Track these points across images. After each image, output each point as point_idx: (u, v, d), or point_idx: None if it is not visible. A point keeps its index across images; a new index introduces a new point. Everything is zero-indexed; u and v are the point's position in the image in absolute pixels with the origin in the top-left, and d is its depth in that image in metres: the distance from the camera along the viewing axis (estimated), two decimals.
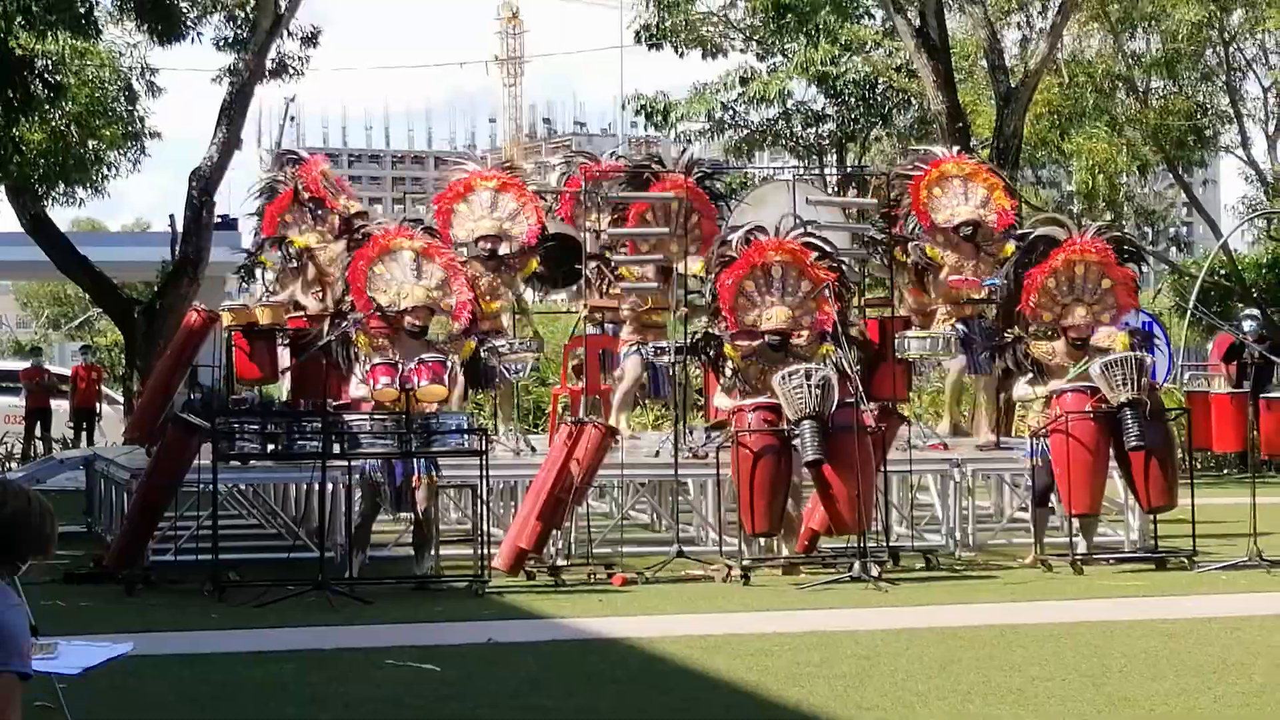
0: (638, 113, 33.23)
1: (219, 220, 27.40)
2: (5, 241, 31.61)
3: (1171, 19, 29.29)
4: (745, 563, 12.57)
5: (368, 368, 12.30)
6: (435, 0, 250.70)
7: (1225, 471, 22.29)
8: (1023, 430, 14.83)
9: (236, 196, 33.84)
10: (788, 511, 12.68)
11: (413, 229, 13.42)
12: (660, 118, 32.52)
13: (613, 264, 15.08)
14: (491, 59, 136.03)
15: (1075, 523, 13.21)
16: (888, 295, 15.54)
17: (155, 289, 26.44)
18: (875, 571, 12.15)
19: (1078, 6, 26.21)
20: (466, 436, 12.14)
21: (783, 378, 12.46)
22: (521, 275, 14.75)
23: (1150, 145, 30.72)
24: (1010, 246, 14.48)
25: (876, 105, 32.24)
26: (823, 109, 33.04)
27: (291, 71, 26.27)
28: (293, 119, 53.17)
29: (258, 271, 15.33)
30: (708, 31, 30.30)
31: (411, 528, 12.64)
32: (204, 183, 24.37)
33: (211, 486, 12.09)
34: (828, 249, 13.34)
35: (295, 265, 14.87)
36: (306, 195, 14.85)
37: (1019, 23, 29.81)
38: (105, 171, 26.55)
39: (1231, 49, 31.18)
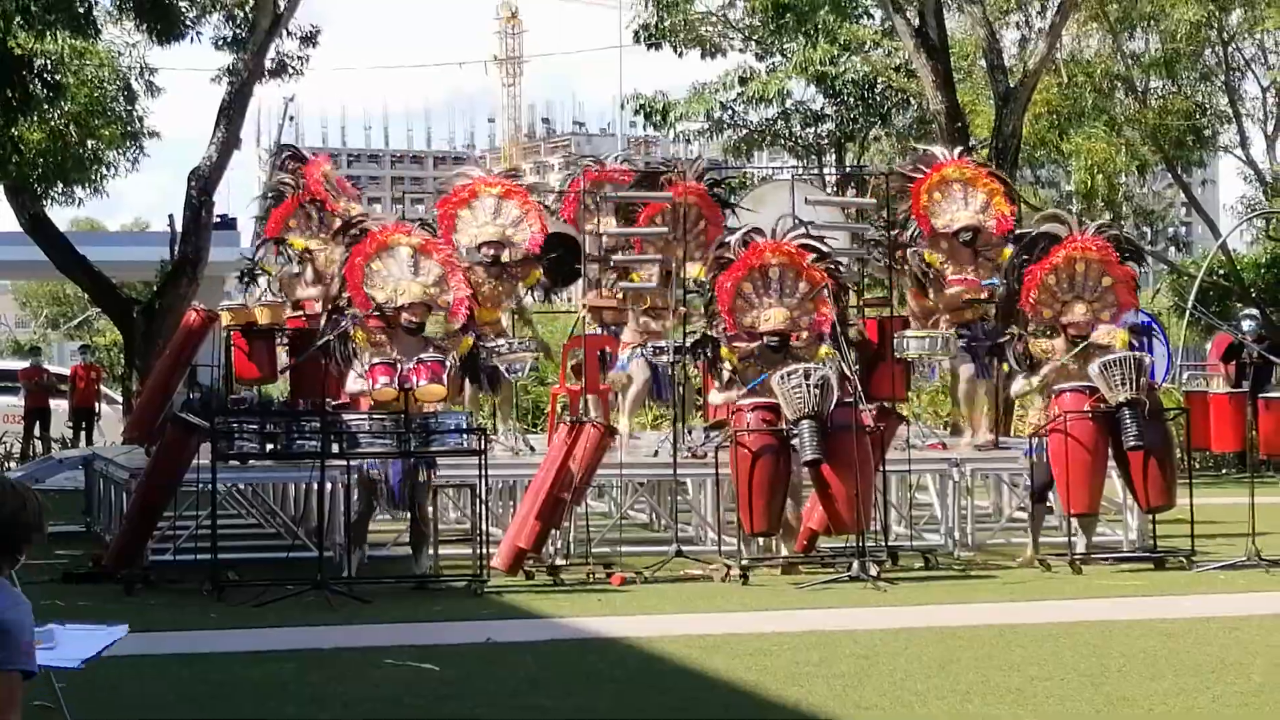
0: (637, 112, 33.25)
1: (218, 220, 27.39)
2: (4, 241, 31.60)
3: (1170, 19, 29.30)
4: (744, 562, 12.58)
5: (366, 366, 12.31)
6: (434, 0, 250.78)
7: (1224, 471, 22.29)
8: (1022, 430, 14.83)
9: (236, 196, 34.02)
10: (786, 511, 12.68)
11: (410, 225, 13.41)
12: (659, 117, 32.53)
13: (613, 264, 15.07)
14: (491, 59, 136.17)
15: (1074, 522, 13.22)
16: (886, 295, 15.54)
17: (154, 289, 26.42)
18: (874, 571, 12.16)
19: (1076, 6, 26.21)
20: (465, 436, 12.14)
21: (782, 377, 12.46)
22: (525, 284, 14.77)
23: (1149, 145, 30.72)
24: (1008, 251, 14.48)
25: (875, 105, 32.25)
26: (821, 109, 33.05)
27: (291, 71, 26.27)
28: (292, 119, 53.14)
29: (263, 280, 15.31)
30: (706, 31, 30.29)
31: (409, 527, 12.65)
32: (203, 182, 24.36)
33: (210, 486, 12.10)
34: (825, 250, 13.33)
35: (296, 271, 14.87)
36: (308, 198, 14.85)
37: (1018, 22, 29.80)
38: (104, 171, 26.53)
39: (1230, 49, 31.20)
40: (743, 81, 32.17)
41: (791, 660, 9.21)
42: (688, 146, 39.03)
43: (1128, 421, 12.82)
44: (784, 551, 12.97)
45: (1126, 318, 13.60)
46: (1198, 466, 18.88)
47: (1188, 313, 25.98)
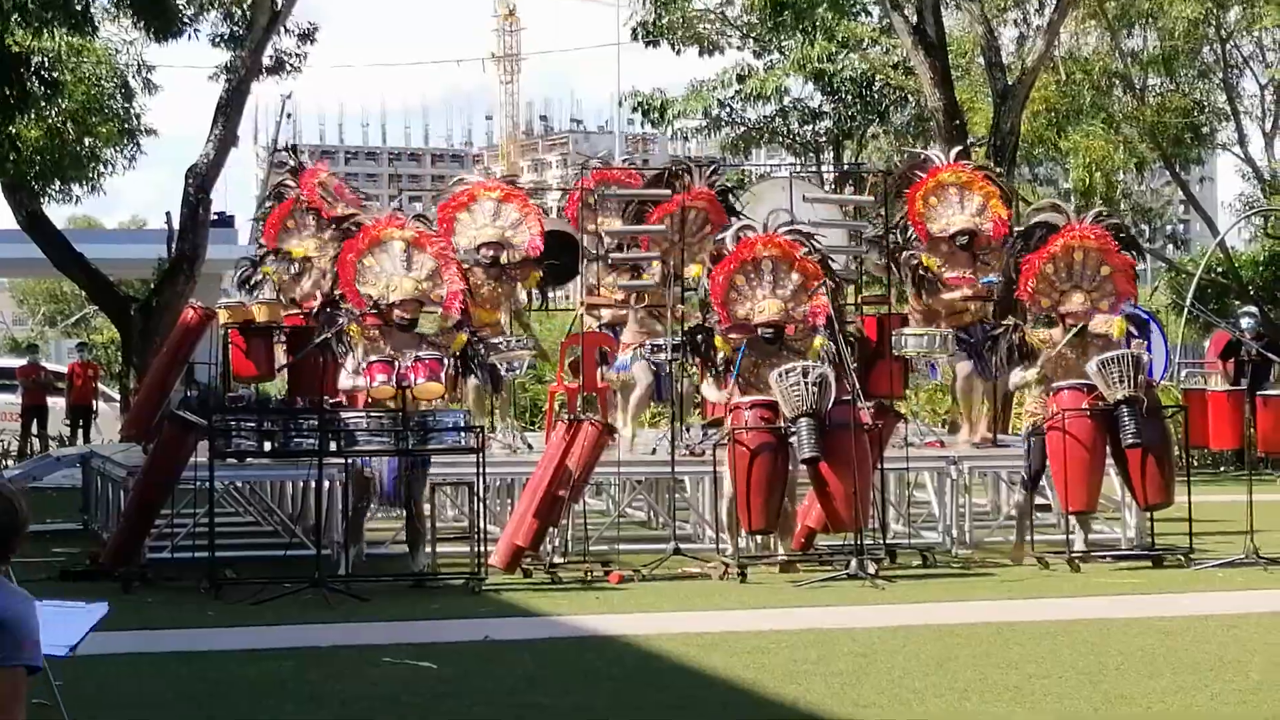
0: (634, 110, 33.23)
1: (215, 218, 27.40)
2: (2, 239, 31.59)
3: (1168, 16, 29.29)
4: (726, 557, 12.58)
5: (360, 362, 12.31)
6: None
7: (1222, 469, 22.28)
8: (1020, 428, 14.82)
9: (233, 194, 34.11)
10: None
11: (404, 218, 13.38)
12: (657, 115, 32.51)
13: (613, 262, 15.07)
14: (488, 56, 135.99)
15: (1072, 520, 13.22)
16: (885, 293, 15.53)
17: (152, 286, 26.42)
18: (872, 569, 12.15)
19: (1075, 4, 26.19)
20: (463, 434, 12.13)
21: (780, 375, 12.46)
22: (524, 286, 14.77)
23: (1147, 143, 30.71)
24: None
25: (873, 102, 32.23)
26: (819, 106, 33.03)
27: (288, 68, 26.27)
28: (289, 116, 53.11)
29: (265, 285, 15.29)
30: (704, 28, 30.28)
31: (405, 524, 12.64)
32: (200, 180, 24.36)
33: (208, 484, 12.10)
34: (815, 245, 13.32)
35: (296, 273, 14.86)
36: (305, 206, 14.86)
37: (1016, 20, 29.81)
38: (101, 169, 26.54)
39: (1228, 46, 31.20)
40: (740, 79, 32.16)
41: (789, 658, 9.20)
42: (685, 144, 39.03)
43: (1126, 419, 12.80)
44: (781, 549, 12.96)
45: (1124, 308, 13.58)
46: (1196, 464, 18.87)
47: (1186, 310, 25.97)
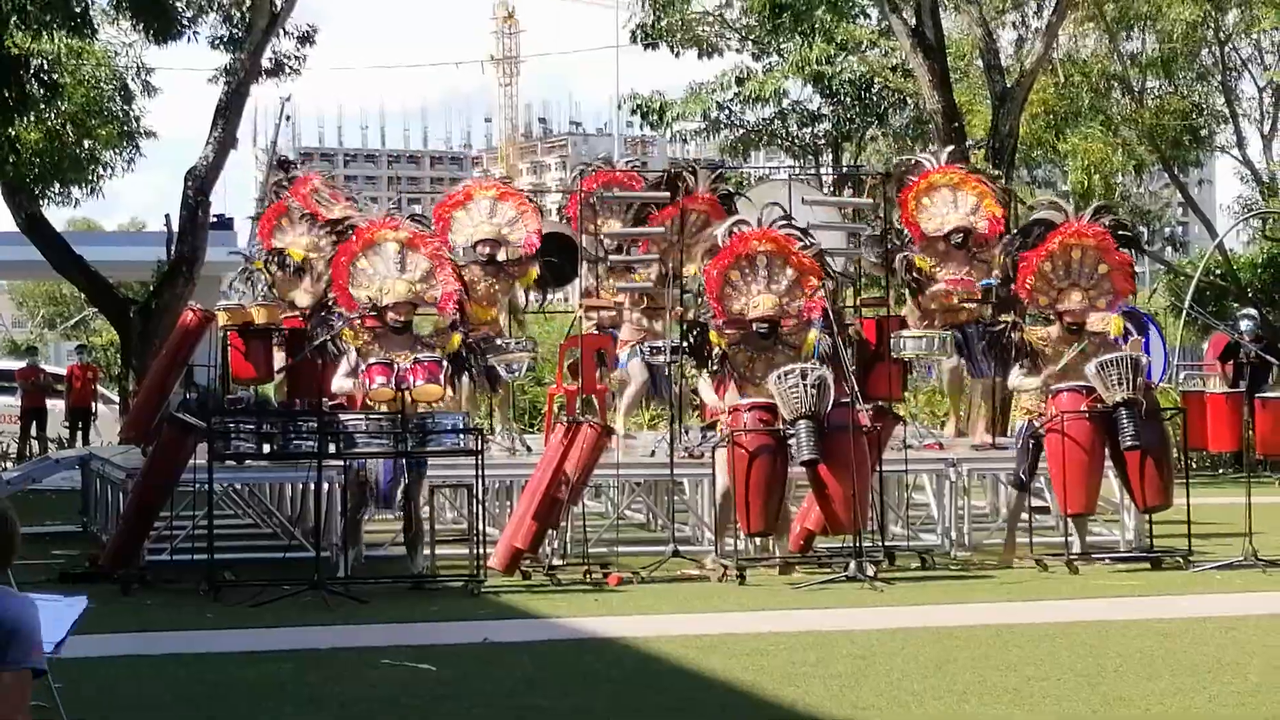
0: (633, 112, 33.23)
1: (215, 220, 27.41)
2: (1, 241, 31.58)
3: (1167, 19, 29.29)
4: (710, 558, 12.59)
5: (353, 365, 12.32)
6: (431, 0, 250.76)
7: (1221, 471, 22.30)
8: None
9: (232, 196, 34.14)
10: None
11: (399, 219, 13.37)
12: (656, 117, 32.51)
13: (611, 264, 15.08)
14: (487, 58, 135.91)
15: (1071, 522, 13.22)
16: (883, 295, 15.54)
17: (151, 289, 26.43)
18: (871, 571, 12.15)
19: (1074, 6, 26.21)
20: (462, 436, 12.13)
21: (779, 377, 12.46)
22: (521, 283, 14.77)
23: (1146, 145, 30.72)
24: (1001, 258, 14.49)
25: (872, 105, 32.23)
26: (818, 109, 33.04)
27: (287, 71, 26.28)
28: (288, 118, 53.16)
29: (259, 281, 15.29)
30: (703, 31, 30.28)
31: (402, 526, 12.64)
32: (199, 182, 24.36)
33: (207, 486, 12.10)
34: (810, 240, 13.32)
35: (293, 271, 14.85)
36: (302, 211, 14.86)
37: (1014, 22, 29.81)
38: (101, 171, 26.57)
39: (1227, 49, 31.20)
40: (739, 81, 32.17)
41: (788, 660, 9.21)
42: (684, 146, 39.01)
43: (1125, 421, 12.81)
44: (777, 550, 12.96)
45: (1121, 307, 13.58)
46: (1195, 466, 18.88)
47: (1185, 312, 25.97)
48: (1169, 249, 46.15)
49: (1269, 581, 12.44)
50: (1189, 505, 13.24)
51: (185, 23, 24.53)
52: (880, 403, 13.81)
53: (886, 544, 13.32)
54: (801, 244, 13.20)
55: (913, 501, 15.11)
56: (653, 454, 14.18)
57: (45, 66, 22.39)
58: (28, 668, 4.39)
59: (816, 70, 30.73)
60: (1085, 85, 29.98)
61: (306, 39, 26.21)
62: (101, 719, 7.81)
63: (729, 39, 30.98)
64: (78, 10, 21.89)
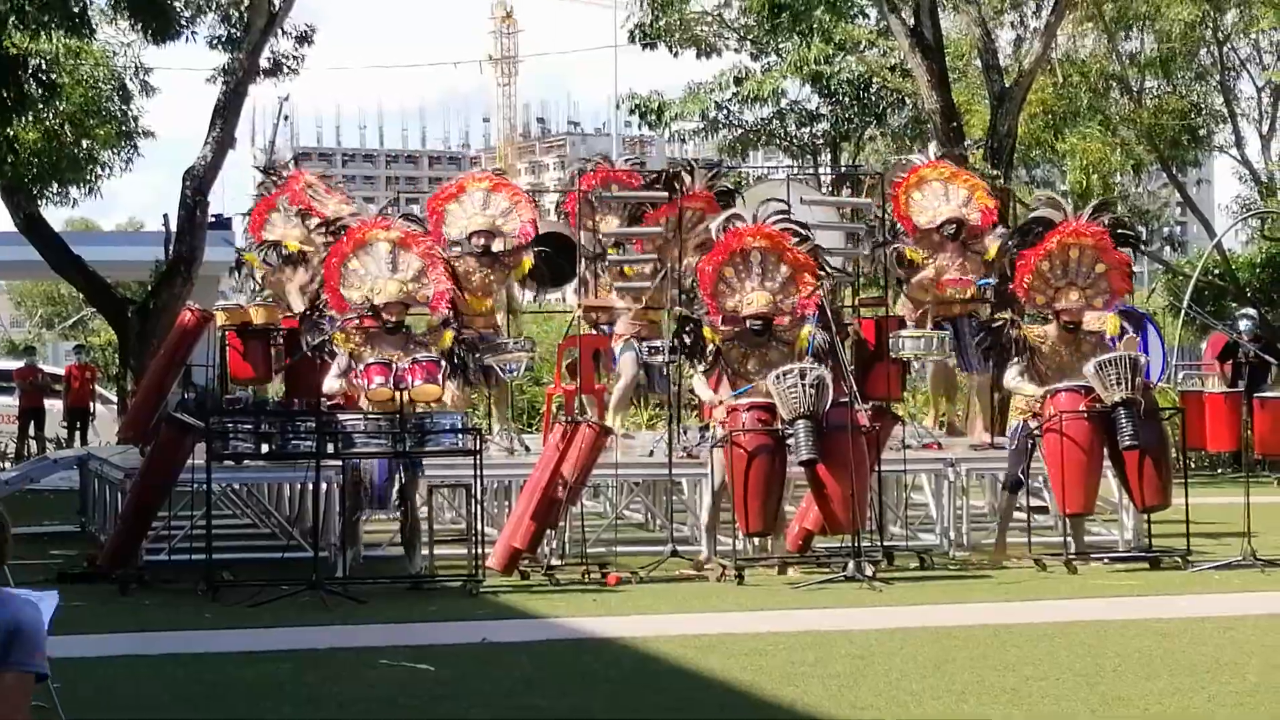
0: (632, 112, 33.20)
1: (213, 220, 27.38)
2: None
3: (1165, 18, 29.27)
4: (701, 557, 12.58)
5: (345, 365, 12.32)
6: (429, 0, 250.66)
7: (1219, 471, 22.29)
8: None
9: (230, 196, 34.02)
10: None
11: (391, 219, 13.37)
12: (654, 117, 32.49)
13: (608, 262, 15.08)
14: (485, 58, 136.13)
15: (1069, 522, 13.22)
16: (882, 295, 15.53)
17: (149, 288, 26.42)
18: (869, 571, 12.15)
19: (1072, 6, 26.19)
20: (460, 436, 12.12)
21: (777, 377, 12.45)
22: (515, 274, 14.76)
23: (1144, 145, 30.71)
24: (994, 249, 14.49)
25: (870, 105, 32.21)
26: (817, 108, 33.01)
27: (285, 70, 26.28)
28: (286, 118, 53.12)
29: (251, 277, 15.29)
30: (702, 31, 30.27)
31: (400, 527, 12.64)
32: (198, 182, 24.36)
33: (205, 486, 12.09)
34: (806, 234, 13.32)
35: (283, 261, 14.85)
36: (295, 208, 14.87)
37: (1013, 22, 29.77)
38: (99, 171, 26.56)
39: (1225, 49, 31.19)
40: (738, 81, 32.15)
41: (787, 660, 9.21)
42: (683, 146, 38.99)
43: (1123, 421, 12.80)
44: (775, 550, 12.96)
45: (1118, 306, 13.57)
46: (1193, 466, 18.87)
47: (1183, 312, 25.97)
48: (1167, 249, 46.19)
49: (1267, 581, 12.44)
50: (1187, 505, 13.23)
51: (183, 23, 24.56)
52: (879, 402, 13.80)
53: (885, 544, 13.32)
54: (798, 239, 13.19)
55: (911, 501, 15.11)
56: (651, 454, 14.18)
57: (43, 66, 22.40)
58: (30, 671, 4.38)
59: (815, 70, 30.71)
60: (1084, 85, 29.97)
61: (305, 39, 26.22)
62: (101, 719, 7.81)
63: (727, 39, 30.97)
64: (76, 10, 21.89)
